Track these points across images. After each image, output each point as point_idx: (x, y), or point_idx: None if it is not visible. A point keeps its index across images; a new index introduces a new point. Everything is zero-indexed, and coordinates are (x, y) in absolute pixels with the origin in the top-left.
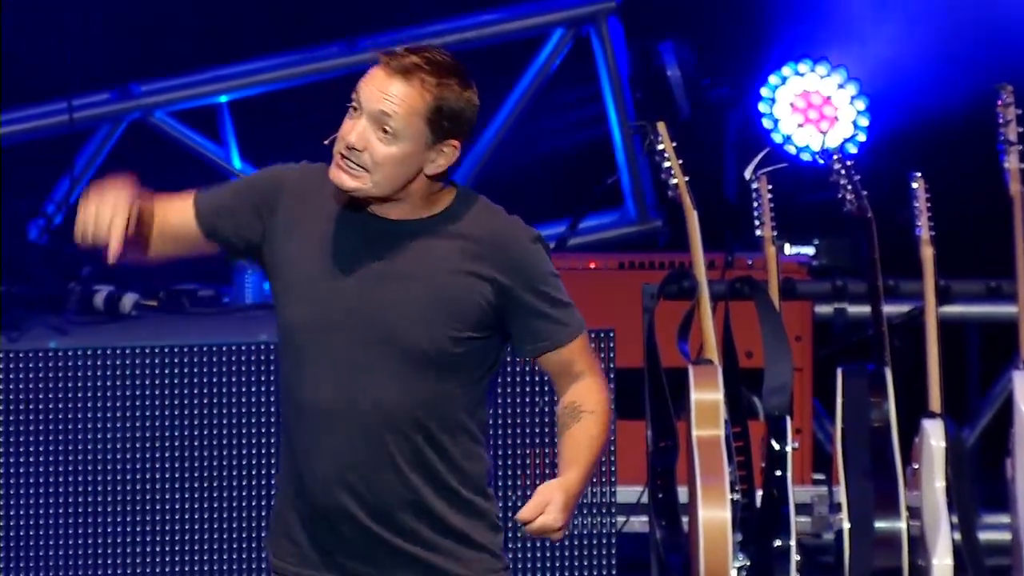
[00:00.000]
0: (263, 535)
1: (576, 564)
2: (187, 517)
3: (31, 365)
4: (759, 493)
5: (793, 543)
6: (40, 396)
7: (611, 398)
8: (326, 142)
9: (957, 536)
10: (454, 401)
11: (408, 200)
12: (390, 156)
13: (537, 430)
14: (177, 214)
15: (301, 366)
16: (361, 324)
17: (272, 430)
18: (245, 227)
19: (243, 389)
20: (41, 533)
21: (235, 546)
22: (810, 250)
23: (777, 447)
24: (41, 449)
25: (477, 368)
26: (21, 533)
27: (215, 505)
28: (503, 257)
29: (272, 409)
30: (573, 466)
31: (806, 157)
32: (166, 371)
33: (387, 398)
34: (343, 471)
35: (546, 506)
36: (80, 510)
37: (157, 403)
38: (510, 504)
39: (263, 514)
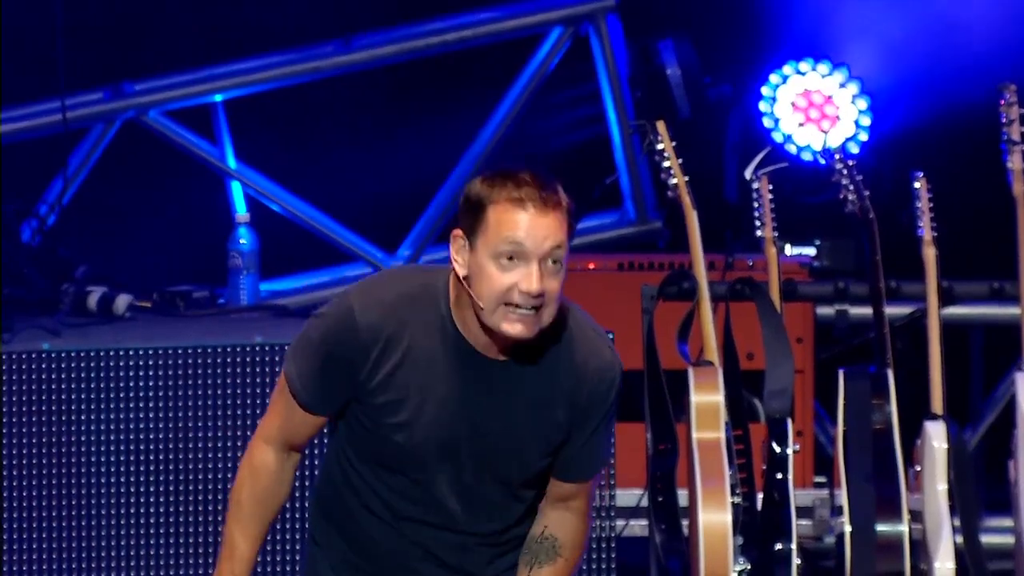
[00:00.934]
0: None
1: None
2: (180, 520)
3: (24, 367)
4: (760, 496)
5: (794, 547)
6: (33, 398)
7: (587, 546)
8: (482, 306)
9: (959, 539)
10: (528, 511)
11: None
12: (559, 285)
13: None
14: (311, 428)
15: (389, 479)
16: (462, 458)
17: None
18: (346, 392)
19: (238, 391)
20: (34, 536)
21: None
22: (811, 251)
23: (778, 450)
24: (34, 451)
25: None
26: (14, 536)
27: (208, 508)
28: (588, 390)
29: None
30: None
31: (807, 157)
32: (160, 373)
33: (479, 523)
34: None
35: None
36: (73, 512)
37: (151, 405)
38: None
39: None
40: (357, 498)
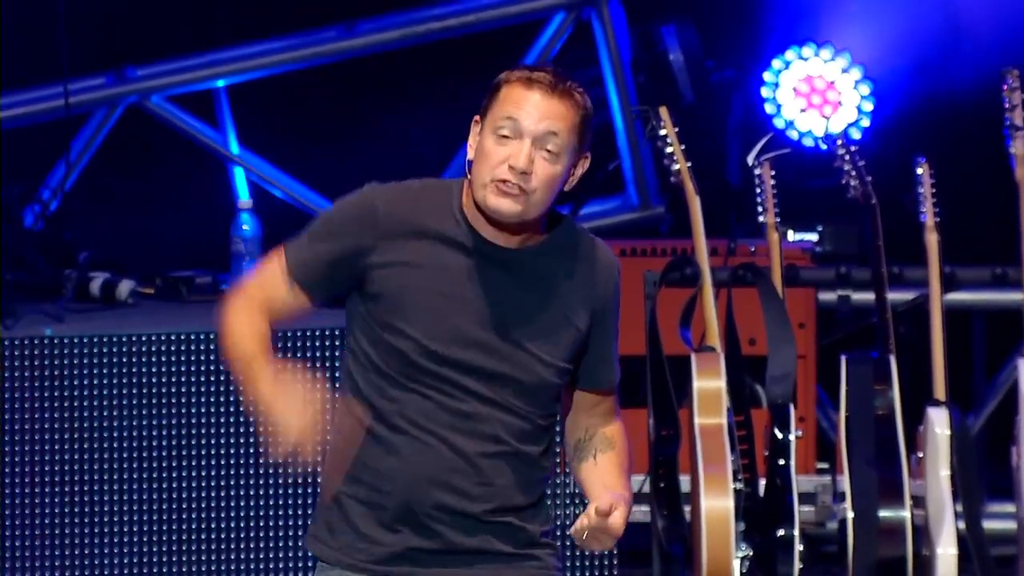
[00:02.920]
0: (294, 531)
1: (577, 554)
2: (184, 506)
3: (26, 353)
4: (762, 482)
5: (796, 532)
6: (36, 384)
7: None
8: (468, 174)
9: (962, 525)
10: (551, 424)
11: (532, 224)
12: (553, 175)
13: None
14: (290, 306)
15: (421, 382)
16: (478, 356)
17: None
18: (345, 283)
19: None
20: (37, 522)
21: (233, 535)
22: (813, 236)
23: (780, 435)
24: (36, 437)
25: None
26: (16, 522)
27: (212, 493)
28: (602, 287)
29: None
30: (623, 488)
31: (808, 142)
32: (163, 359)
33: (496, 429)
34: (443, 478)
35: (615, 510)
36: (76, 499)
37: (154, 391)
38: None
39: (260, 502)
40: (389, 419)
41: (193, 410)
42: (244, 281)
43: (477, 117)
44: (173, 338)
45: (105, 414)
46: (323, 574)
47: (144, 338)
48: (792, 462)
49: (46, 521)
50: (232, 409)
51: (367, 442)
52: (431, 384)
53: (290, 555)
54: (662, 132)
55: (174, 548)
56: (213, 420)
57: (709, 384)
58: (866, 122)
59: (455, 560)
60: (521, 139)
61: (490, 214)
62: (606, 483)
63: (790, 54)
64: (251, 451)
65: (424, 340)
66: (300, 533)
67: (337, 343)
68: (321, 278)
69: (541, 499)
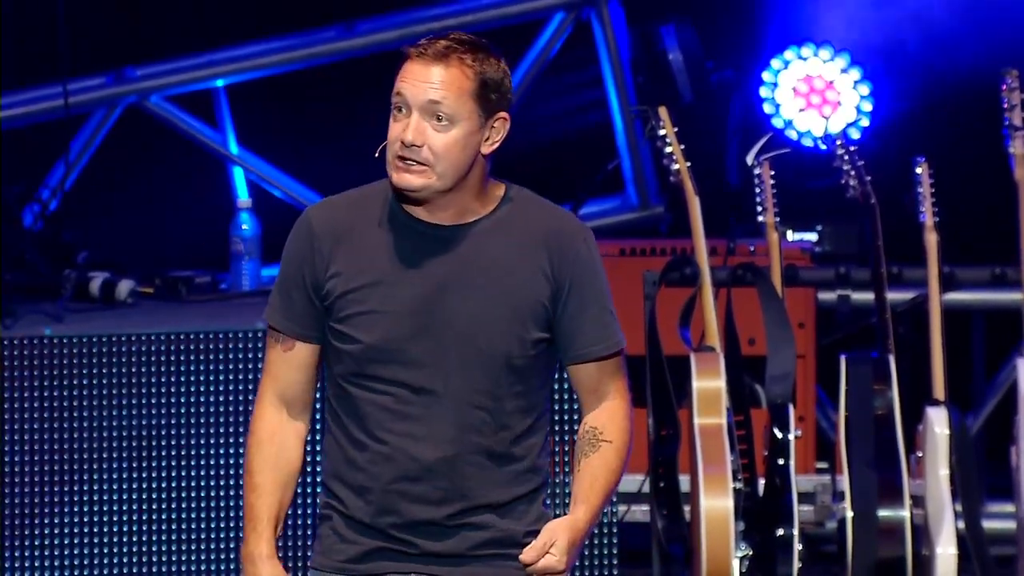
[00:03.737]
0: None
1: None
2: (183, 505)
3: (26, 352)
4: (761, 482)
5: (796, 532)
6: (35, 383)
7: (632, 427)
8: (376, 154)
9: (961, 525)
10: (524, 409)
11: (465, 195)
12: (450, 142)
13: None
14: (306, 363)
15: (373, 388)
16: (422, 345)
17: None
18: (319, 304)
19: (240, 376)
20: (37, 521)
21: (232, 534)
22: (813, 236)
23: (780, 435)
24: (36, 437)
25: (541, 374)
26: (16, 522)
27: (211, 492)
28: (557, 255)
29: None
30: (583, 503)
31: (807, 142)
32: (162, 358)
33: (453, 430)
34: (403, 488)
35: (551, 546)
36: (76, 498)
37: (153, 391)
38: None
39: None
40: (351, 432)
41: (192, 409)
42: (259, 390)
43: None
44: (172, 338)
45: (105, 414)
46: None
47: (143, 338)
48: (791, 462)
49: (46, 520)
50: (231, 408)
51: (338, 455)
52: (383, 389)
53: (289, 555)
54: (661, 132)
55: (174, 547)
56: (212, 419)
57: (709, 384)
58: (865, 122)
59: (432, 561)
60: (409, 112)
61: (399, 192)
62: (574, 497)
63: (789, 54)
64: None
65: (368, 340)
66: (300, 533)
67: None
68: (310, 318)
69: (529, 494)
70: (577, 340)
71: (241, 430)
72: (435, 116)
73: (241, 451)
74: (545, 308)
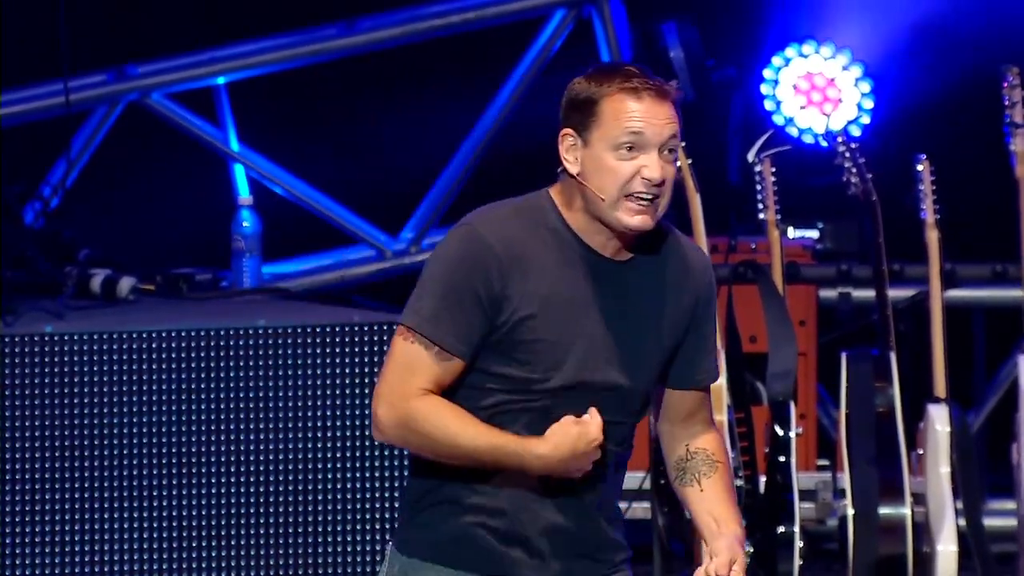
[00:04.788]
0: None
1: None
2: (184, 502)
3: (27, 349)
4: (762, 479)
5: (797, 529)
6: (36, 380)
7: None
8: (602, 200)
9: (962, 522)
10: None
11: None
12: (673, 177)
13: None
14: (451, 378)
15: (524, 411)
16: (600, 379)
17: (270, 415)
18: (488, 323)
19: (241, 374)
20: (37, 519)
21: (232, 532)
22: (814, 234)
23: (781, 433)
24: (37, 434)
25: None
26: (17, 519)
27: (212, 490)
28: (699, 288)
29: (270, 394)
30: (733, 522)
31: (808, 140)
32: (163, 356)
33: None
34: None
35: (733, 564)
36: (76, 495)
37: (154, 388)
38: None
39: (260, 499)
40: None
41: (193, 407)
42: (390, 388)
43: (568, 130)
44: (174, 335)
45: (105, 411)
46: None
47: (144, 335)
48: (793, 459)
49: (46, 518)
50: (233, 405)
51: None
52: (546, 401)
53: (290, 552)
54: None
55: (174, 544)
56: (213, 417)
57: None
58: (866, 119)
59: None
60: (648, 150)
61: (624, 230)
62: (717, 516)
63: (790, 51)
64: (251, 447)
65: (542, 371)
66: (300, 530)
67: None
68: (476, 336)
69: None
70: (695, 368)
71: (242, 427)
72: (668, 150)
73: (243, 447)
74: (681, 334)
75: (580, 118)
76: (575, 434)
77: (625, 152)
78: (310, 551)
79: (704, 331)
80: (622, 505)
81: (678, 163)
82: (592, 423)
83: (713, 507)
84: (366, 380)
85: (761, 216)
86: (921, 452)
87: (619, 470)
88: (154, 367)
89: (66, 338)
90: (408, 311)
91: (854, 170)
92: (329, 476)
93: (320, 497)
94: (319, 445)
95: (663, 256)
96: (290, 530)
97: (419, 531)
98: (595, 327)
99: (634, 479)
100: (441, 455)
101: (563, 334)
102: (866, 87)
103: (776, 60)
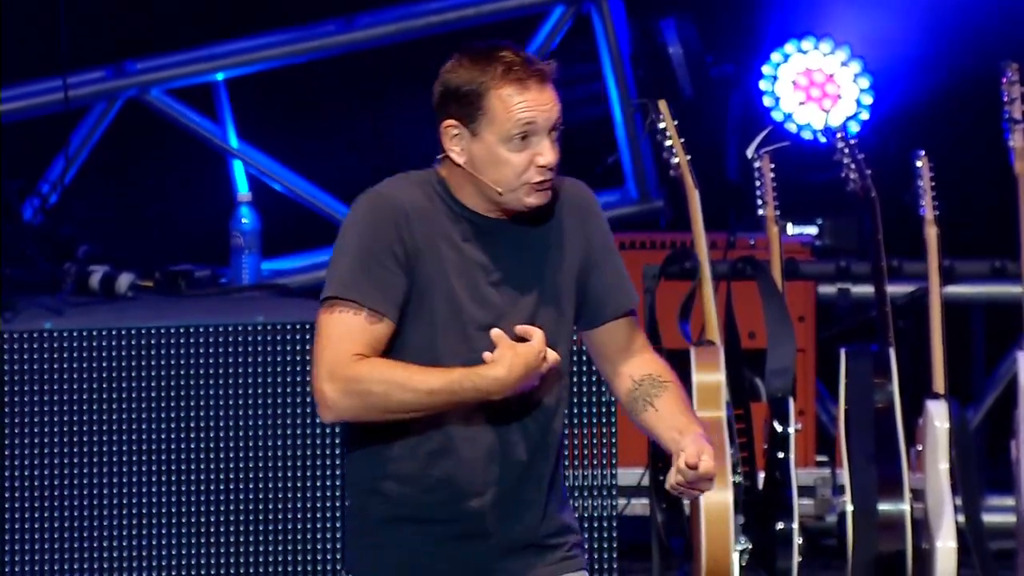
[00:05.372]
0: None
1: None
2: (184, 498)
3: (26, 346)
4: (761, 475)
5: (796, 526)
6: (35, 377)
7: None
8: (499, 193)
9: (961, 518)
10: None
11: None
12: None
13: None
14: (383, 341)
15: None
16: (515, 319)
17: (268, 411)
18: (403, 287)
19: (240, 370)
20: (37, 516)
21: (232, 528)
22: (813, 230)
23: (779, 429)
24: (36, 431)
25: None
26: (17, 516)
27: (212, 486)
28: (587, 223)
29: (268, 390)
30: (694, 424)
31: (807, 136)
32: (162, 352)
33: (542, 403)
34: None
35: (702, 455)
36: (76, 492)
37: (153, 384)
38: None
39: (259, 496)
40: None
41: (193, 403)
42: (328, 362)
43: (451, 122)
44: (172, 331)
45: (105, 407)
46: None
47: (143, 331)
48: (791, 455)
49: (46, 514)
50: (231, 402)
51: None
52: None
53: (290, 548)
54: (661, 126)
55: (174, 540)
56: (213, 413)
57: (708, 378)
58: (865, 115)
59: None
60: (539, 136)
61: (523, 210)
62: (678, 427)
63: (789, 47)
64: (250, 443)
65: (451, 327)
66: (300, 526)
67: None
68: (400, 298)
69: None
70: (611, 297)
71: (241, 423)
72: (554, 129)
73: (243, 443)
74: (577, 282)
75: (465, 110)
76: (523, 351)
77: (518, 142)
78: (309, 547)
79: (608, 262)
80: (620, 502)
81: (676, 160)
82: (534, 338)
83: (672, 421)
84: None
85: (760, 212)
86: (920, 448)
87: (555, 422)
88: (153, 364)
89: (65, 335)
90: (328, 284)
91: (853, 166)
92: (328, 472)
93: (319, 493)
94: (318, 441)
95: (550, 202)
96: (290, 525)
97: (370, 551)
98: (495, 282)
99: (633, 475)
100: (397, 409)
101: (465, 289)
102: (865, 83)
103: (775, 56)
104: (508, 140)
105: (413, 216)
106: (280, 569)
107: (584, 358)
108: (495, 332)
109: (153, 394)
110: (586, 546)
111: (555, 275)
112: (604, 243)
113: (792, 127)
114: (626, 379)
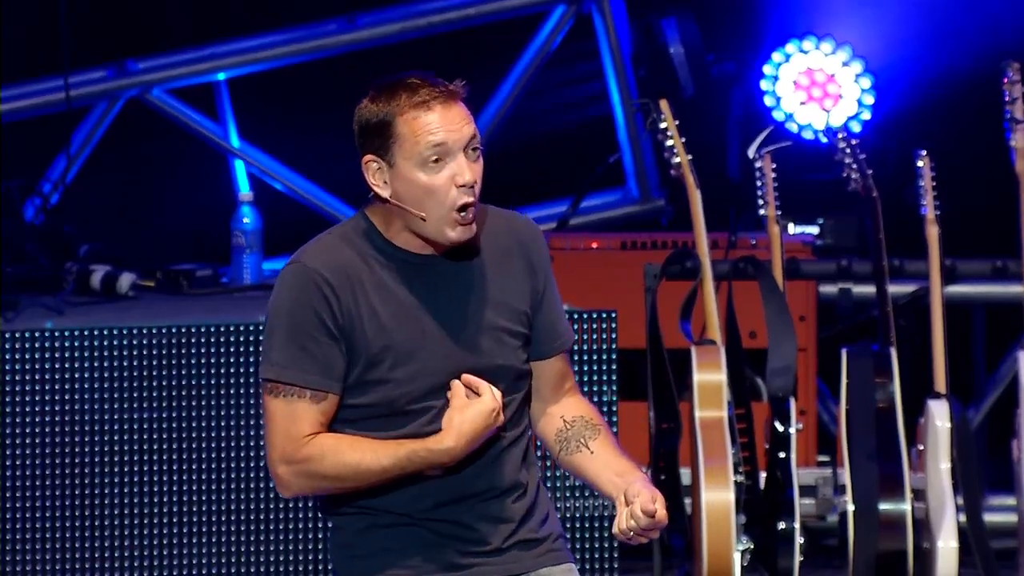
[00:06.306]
0: (281, 535)
1: (578, 547)
2: (184, 498)
3: (27, 346)
4: (763, 475)
5: (797, 525)
6: (36, 377)
7: None
8: (423, 219)
9: (962, 518)
10: (527, 419)
11: None
12: (481, 169)
13: None
14: (330, 416)
15: (407, 426)
16: (467, 365)
17: None
18: (342, 357)
19: (241, 370)
20: (37, 515)
21: (232, 528)
22: (814, 229)
23: (781, 428)
24: (37, 430)
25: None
26: (17, 515)
27: (212, 486)
28: (530, 253)
29: None
30: (634, 469)
31: (808, 135)
32: (163, 352)
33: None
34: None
35: (656, 501)
36: (76, 491)
37: (154, 384)
38: None
39: (260, 495)
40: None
41: (194, 403)
42: (280, 446)
43: (369, 157)
44: (174, 331)
45: (106, 407)
46: None
47: (145, 331)
48: (793, 455)
49: (46, 514)
50: (232, 402)
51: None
52: (417, 416)
53: (290, 548)
54: (663, 125)
55: (175, 540)
56: (214, 413)
57: (710, 377)
58: (867, 115)
59: None
60: (453, 156)
61: (449, 244)
62: (617, 470)
63: (790, 47)
64: (251, 443)
65: (410, 383)
66: (300, 527)
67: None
68: (341, 368)
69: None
70: (554, 332)
71: (242, 423)
72: (472, 149)
73: (242, 443)
74: (527, 314)
75: (379, 142)
76: (474, 413)
77: (433, 165)
78: (310, 546)
79: (554, 298)
80: None
81: (678, 159)
82: (484, 394)
83: (610, 463)
84: None
85: (761, 212)
86: (921, 448)
87: (516, 445)
88: (154, 363)
89: (66, 334)
90: (264, 366)
91: (854, 166)
92: None
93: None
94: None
95: (486, 233)
96: (290, 525)
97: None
98: (441, 321)
99: None
100: (352, 486)
101: (411, 339)
102: (866, 83)
103: (776, 56)
104: (423, 164)
105: (338, 282)
106: (280, 569)
107: (580, 356)
108: (454, 385)
109: (154, 394)
110: (579, 545)
111: (498, 308)
112: (549, 278)
113: (793, 127)
114: (556, 419)
